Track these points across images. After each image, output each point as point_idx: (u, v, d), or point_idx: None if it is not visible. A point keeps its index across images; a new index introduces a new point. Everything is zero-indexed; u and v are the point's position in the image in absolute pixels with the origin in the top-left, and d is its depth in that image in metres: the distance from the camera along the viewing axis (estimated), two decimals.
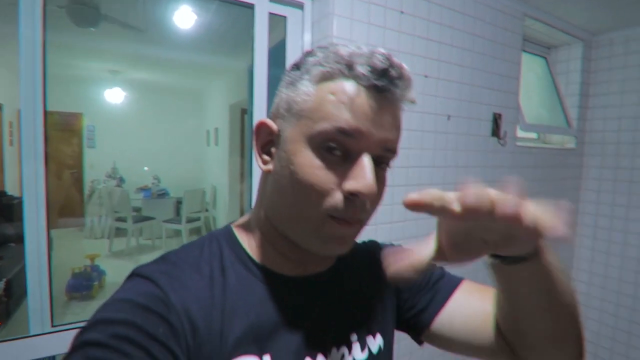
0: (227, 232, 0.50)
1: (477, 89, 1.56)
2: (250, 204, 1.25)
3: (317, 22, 1.24)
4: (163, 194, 4.75)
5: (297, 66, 0.45)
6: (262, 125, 0.46)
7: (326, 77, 0.41)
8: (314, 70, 0.42)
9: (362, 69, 0.39)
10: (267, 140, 0.46)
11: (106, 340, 0.33)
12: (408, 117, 1.35)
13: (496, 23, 1.59)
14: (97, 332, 0.34)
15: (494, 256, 0.39)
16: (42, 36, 0.85)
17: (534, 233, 0.29)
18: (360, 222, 0.43)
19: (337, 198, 0.40)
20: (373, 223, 1.30)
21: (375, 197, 0.42)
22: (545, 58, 2.13)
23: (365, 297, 0.54)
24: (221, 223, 4.48)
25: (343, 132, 0.39)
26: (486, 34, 1.56)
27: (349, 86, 0.40)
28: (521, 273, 0.39)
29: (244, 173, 4.12)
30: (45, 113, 0.88)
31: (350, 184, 0.39)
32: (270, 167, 0.45)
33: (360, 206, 0.41)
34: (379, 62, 0.39)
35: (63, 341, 0.88)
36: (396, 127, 0.42)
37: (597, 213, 2.06)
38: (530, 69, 2.04)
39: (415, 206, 0.30)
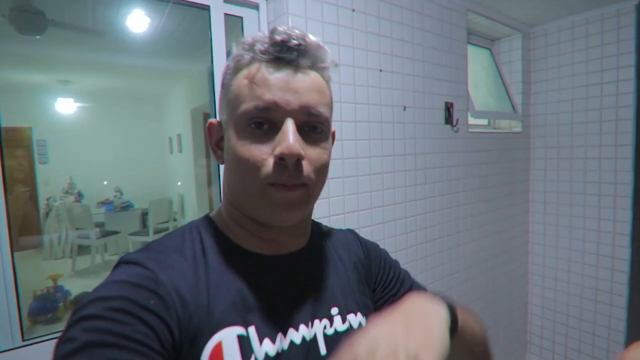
0: (205, 219, 0.53)
1: (429, 81, 1.66)
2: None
3: (272, 21, 1.28)
4: (127, 206, 4.59)
5: (226, 69, 0.50)
6: (211, 125, 0.52)
7: (239, 67, 0.47)
8: (232, 64, 0.48)
9: (261, 47, 0.44)
10: (219, 137, 0.51)
11: (101, 312, 0.35)
12: (367, 110, 1.42)
13: (442, 18, 1.70)
14: (92, 308, 0.36)
15: None
16: None
17: None
18: (305, 187, 0.46)
19: (269, 165, 0.43)
20: (342, 212, 1.36)
21: (313, 160, 0.45)
22: (489, 49, 2.29)
23: (342, 278, 0.56)
24: None
25: (260, 108, 0.43)
26: (434, 28, 1.67)
27: (256, 66, 0.45)
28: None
29: (212, 178, 4.06)
30: (0, 129, 0.86)
31: (276, 149, 0.43)
32: (222, 159, 0.51)
33: (293, 168, 0.43)
34: (277, 36, 0.43)
35: (37, 354, 0.87)
36: (314, 91, 0.45)
37: (545, 190, 2.25)
38: (477, 60, 2.18)
39: None
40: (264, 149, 0.44)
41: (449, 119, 1.75)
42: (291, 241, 0.53)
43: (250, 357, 0.42)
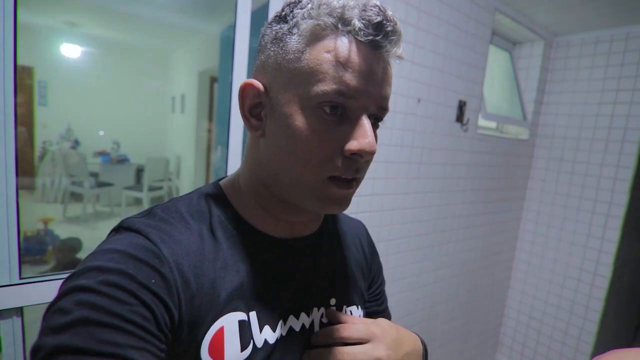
0: (216, 189, 0.48)
1: (446, 76, 1.65)
2: (221, 174, 1.26)
3: None
4: (123, 160, 4.57)
5: (282, 18, 0.42)
6: (247, 87, 0.43)
7: (319, 33, 0.38)
8: (304, 25, 0.39)
9: (358, 23, 0.37)
10: (255, 103, 0.43)
11: (97, 286, 0.32)
12: None
13: (470, 14, 1.67)
14: (87, 278, 0.33)
15: None
16: None
17: None
18: (357, 181, 0.44)
19: (337, 160, 0.40)
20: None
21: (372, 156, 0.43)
22: (509, 52, 2.26)
23: (347, 268, 0.55)
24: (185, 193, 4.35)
25: (342, 94, 0.38)
26: (460, 24, 1.64)
27: (345, 43, 0.38)
28: None
29: (212, 144, 4.03)
30: (16, 67, 0.84)
31: (354, 145, 0.39)
32: (261, 131, 0.43)
33: (359, 166, 0.41)
34: (374, 15, 0.37)
35: (31, 293, 0.88)
36: (389, 84, 0.42)
37: (541, 200, 2.28)
38: (495, 61, 2.16)
39: None
40: (332, 141, 0.39)
41: (460, 117, 1.75)
42: (306, 225, 0.51)
43: (249, 343, 0.41)
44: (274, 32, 0.42)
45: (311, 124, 0.39)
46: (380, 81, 0.40)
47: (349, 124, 0.40)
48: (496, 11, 1.81)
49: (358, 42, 0.38)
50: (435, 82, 1.60)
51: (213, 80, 4.04)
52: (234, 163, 1.20)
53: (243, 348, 0.40)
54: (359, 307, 0.55)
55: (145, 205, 4.01)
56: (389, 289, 1.55)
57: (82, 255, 2.69)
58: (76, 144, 4.47)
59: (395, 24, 0.39)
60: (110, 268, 0.34)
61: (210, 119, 4.18)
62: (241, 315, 0.41)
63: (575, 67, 2.12)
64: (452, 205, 1.84)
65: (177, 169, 4.74)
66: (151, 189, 4.09)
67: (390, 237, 1.58)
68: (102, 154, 4.49)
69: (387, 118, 1.44)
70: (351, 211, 1.38)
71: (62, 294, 0.32)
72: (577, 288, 2.09)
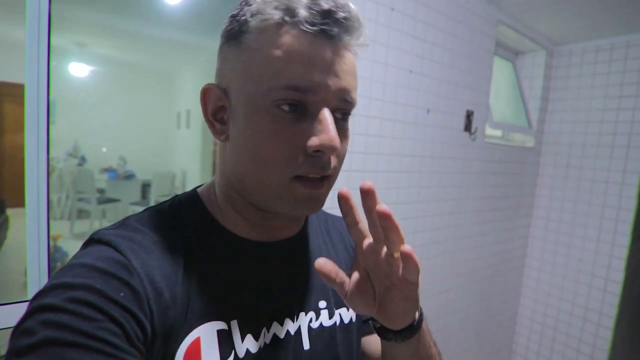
0: (192, 196, 0.47)
1: (453, 87, 1.68)
2: None
3: None
4: (130, 176, 4.60)
5: (234, 17, 0.40)
6: (207, 91, 0.42)
7: (266, 28, 0.37)
8: (252, 22, 0.37)
9: (304, 12, 0.35)
10: (218, 107, 0.42)
11: (63, 304, 0.31)
12: (394, 109, 1.44)
13: (474, 26, 1.72)
14: (53, 296, 0.31)
15: (386, 331, 0.42)
16: (47, 6, 0.85)
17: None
18: (328, 179, 0.42)
19: (299, 159, 0.38)
20: (358, 204, 1.38)
21: (339, 151, 0.41)
22: (512, 62, 2.31)
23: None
24: None
25: (297, 89, 0.36)
26: (465, 36, 1.68)
27: (294, 36, 0.36)
28: (405, 350, 0.43)
29: (216, 159, 4.08)
30: (49, 87, 0.87)
31: (313, 141, 0.37)
32: (225, 135, 0.42)
33: (325, 163, 0.39)
34: (323, 3, 0.35)
35: None
36: (351, 74, 0.39)
37: (550, 207, 2.29)
38: (499, 71, 2.21)
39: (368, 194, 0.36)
40: (292, 139, 0.38)
41: (468, 127, 1.78)
42: (285, 228, 0.48)
43: (230, 353, 0.39)
44: (227, 32, 0.40)
45: (269, 124, 0.38)
46: (338, 72, 0.38)
47: (310, 120, 0.38)
48: (499, 23, 1.86)
49: (307, 33, 0.36)
50: (443, 92, 1.64)
51: None
52: None
53: (223, 358, 0.38)
54: (350, 309, 0.52)
55: None
56: None
57: None
58: (83, 160, 4.51)
59: (350, 10, 0.37)
60: (77, 284, 0.32)
61: None
62: (220, 325, 0.39)
63: (578, 74, 2.16)
64: (463, 213, 1.86)
65: (183, 184, 4.77)
66: (157, 203, 4.12)
67: None
68: (108, 170, 4.53)
69: (399, 128, 1.48)
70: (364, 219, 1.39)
71: (28, 314, 0.31)
72: (589, 294, 2.09)
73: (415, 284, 0.37)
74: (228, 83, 0.41)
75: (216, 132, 0.42)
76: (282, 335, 0.44)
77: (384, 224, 0.35)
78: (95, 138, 4.71)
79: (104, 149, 4.80)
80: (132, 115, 4.89)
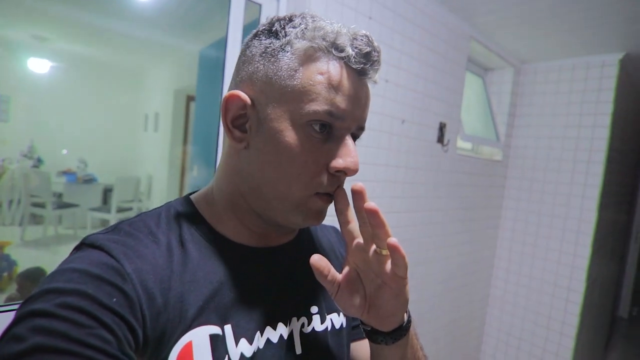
0: (185, 202, 0.48)
1: (427, 99, 1.70)
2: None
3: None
4: (90, 180, 4.35)
5: (273, 33, 0.43)
6: (233, 98, 0.43)
7: (312, 54, 0.40)
8: (298, 44, 0.40)
9: (350, 51, 0.40)
10: (239, 114, 0.44)
11: (54, 309, 0.30)
12: (369, 118, 1.43)
13: (448, 41, 1.76)
14: (44, 301, 0.31)
15: (376, 334, 0.44)
16: None
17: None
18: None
19: (323, 177, 0.42)
20: (330, 214, 1.35)
21: None
22: (482, 78, 2.39)
23: None
24: None
25: (332, 115, 0.40)
26: (439, 49, 1.71)
27: (337, 67, 0.41)
28: (394, 355, 0.45)
29: (186, 164, 3.92)
30: None
31: (339, 163, 0.42)
32: (245, 143, 0.43)
33: (342, 182, 0.45)
34: (364, 45, 0.41)
35: None
36: (368, 106, 0.45)
37: (515, 218, 2.36)
38: (470, 86, 2.27)
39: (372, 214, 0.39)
40: (321, 159, 0.42)
41: (440, 139, 1.80)
42: (281, 236, 0.51)
43: (223, 357, 0.40)
44: (263, 46, 0.42)
45: (301, 140, 0.41)
46: (364, 105, 0.44)
47: (335, 143, 0.43)
48: (471, 39, 1.91)
49: (349, 67, 0.41)
50: (417, 104, 1.65)
51: (190, 99, 3.98)
52: None
53: None
54: (340, 313, 0.54)
55: None
56: None
57: None
58: (39, 162, 4.22)
59: (379, 53, 0.43)
60: (69, 289, 0.32)
61: (185, 138, 4.09)
62: (214, 329, 0.40)
63: (542, 92, 2.26)
64: (434, 224, 1.87)
65: (149, 190, 4.57)
66: (120, 210, 3.91)
67: None
68: (67, 173, 4.26)
69: (374, 138, 1.47)
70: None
71: (17, 319, 0.31)
72: (552, 304, 2.15)
73: (404, 279, 0.40)
74: (258, 94, 0.42)
75: (235, 139, 0.44)
76: (275, 340, 0.45)
77: (371, 221, 0.39)
78: (54, 138, 4.42)
79: (64, 151, 4.51)
80: (95, 116, 4.64)
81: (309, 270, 0.50)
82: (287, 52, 0.41)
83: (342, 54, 0.40)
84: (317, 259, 0.40)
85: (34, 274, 2.56)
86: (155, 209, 0.47)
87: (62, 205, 3.82)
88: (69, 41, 3.96)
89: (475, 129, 2.24)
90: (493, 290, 2.45)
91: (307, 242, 0.56)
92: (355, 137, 0.45)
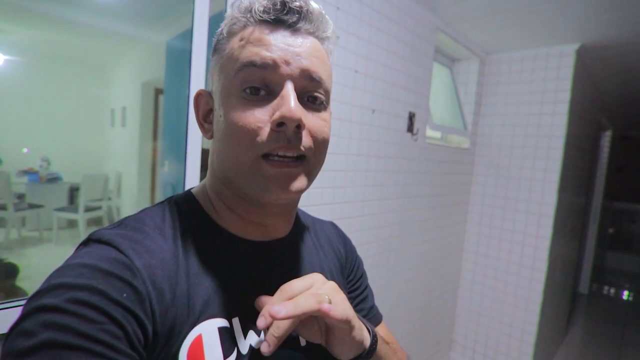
0: (187, 197, 0.49)
1: (397, 89, 1.74)
2: (169, 191, 1.21)
3: None
4: (54, 179, 4.14)
5: (216, 33, 0.46)
6: (199, 96, 0.47)
7: (233, 30, 0.42)
8: (225, 28, 0.43)
9: (259, 7, 0.40)
10: (208, 109, 0.47)
11: (64, 305, 0.30)
12: (339, 108, 1.45)
13: (415, 32, 1.79)
14: (53, 296, 0.31)
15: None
16: None
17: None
18: (303, 162, 0.42)
19: (264, 134, 0.39)
20: (305, 204, 1.37)
21: (314, 131, 0.42)
22: (450, 68, 2.45)
23: (324, 269, 0.56)
24: (127, 213, 4.05)
25: (255, 65, 0.39)
26: (407, 40, 1.75)
27: (253, 27, 0.41)
28: None
29: (157, 160, 3.83)
30: None
31: (275, 115, 0.39)
32: (210, 133, 0.46)
33: (292, 138, 0.40)
34: None
35: None
36: (317, 57, 0.42)
37: (482, 203, 2.46)
38: (438, 77, 2.33)
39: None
40: (259, 116, 0.40)
41: (410, 128, 1.85)
42: (278, 227, 0.51)
43: (232, 350, 0.40)
44: (212, 46, 0.46)
45: (237, 108, 0.40)
46: (300, 52, 0.41)
47: (277, 100, 0.40)
48: (438, 30, 1.96)
49: (265, 22, 0.41)
50: (386, 94, 1.68)
51: (158, 92, 3.86)
52: (193, 177, 1.15)
53: (226, 355, 0.39)
54: None
55: (81, 228, 3.66)
56: None
57: (20, 283, 2.37)
58: None
59: (306, 2, 0.41)
60: (79, 284, 0.32)
61: (155, 132, 3.97)
62: (221, 322, 0.40)
63: (506, 82, 2.35)
64: (406, 211, 1.92)
65: (118, 187, 4.43)
66: (88, 209, 3.75)
67: None
68: (29, 172, 4.05)
69: (345, 128, 1.49)
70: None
71: (26, 314, 0.30)
72: (518, 283, 2.27)
73: (346, 323, 0.40)
74: (211, 86, 0.46)
75: (205, 132, 0.47)
76: None
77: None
78: (13, 137, 4.19)
79: (25, 150, 4.29)
80: (58, 112, 4.42)
81: (307, 263, 0.53)
82: (221, 41, 0.44)
83: (255, 14, 0.41)
84: (263, 301, 0.41)
85: (4, 270, 2.45)
86: (158, 203, 0.47)
87: (25, 207, 3.65)
88: (26, 33, 3.74)
89: (444, 119, 2.31)
90: (463, 273, 2.55)
91: (305, 236, 0.56)
92: (312, 95, 0.42)
